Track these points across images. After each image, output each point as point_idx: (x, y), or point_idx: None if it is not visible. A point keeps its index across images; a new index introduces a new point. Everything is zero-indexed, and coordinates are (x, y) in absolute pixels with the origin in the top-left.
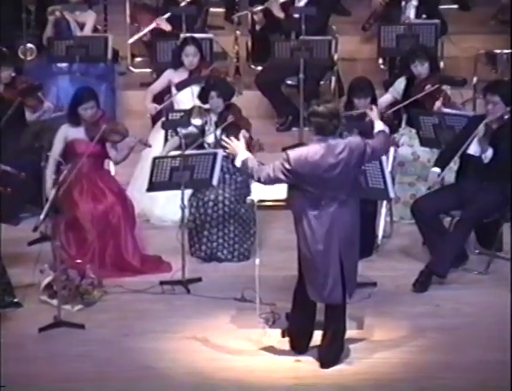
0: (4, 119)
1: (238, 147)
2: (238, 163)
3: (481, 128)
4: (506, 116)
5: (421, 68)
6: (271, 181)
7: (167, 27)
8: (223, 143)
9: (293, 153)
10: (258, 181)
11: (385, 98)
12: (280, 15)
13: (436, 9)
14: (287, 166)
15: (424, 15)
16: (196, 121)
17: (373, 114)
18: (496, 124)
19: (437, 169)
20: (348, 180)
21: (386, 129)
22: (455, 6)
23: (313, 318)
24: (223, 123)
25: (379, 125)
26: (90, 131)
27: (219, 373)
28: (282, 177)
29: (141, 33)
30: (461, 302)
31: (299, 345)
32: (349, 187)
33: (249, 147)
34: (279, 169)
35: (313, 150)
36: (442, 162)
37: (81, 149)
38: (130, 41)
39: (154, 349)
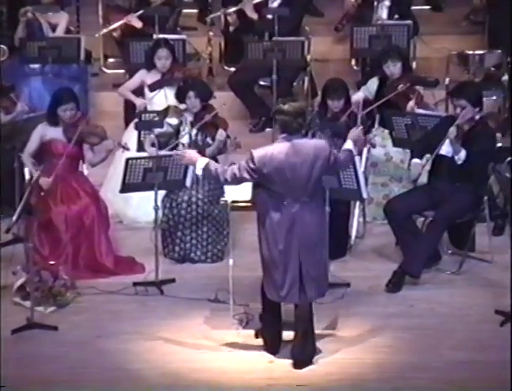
0: None
1: (193, 156)
2: (199, 171)
3: (452, 130)
4: (477, 117)
5: (393, 68)
6: (237, 181)
7: (138, 24)
8: (177, 159)
9: (258, 152)
10: (225, 182)
11: (356, 96)
12: (254, 16)
13: (408, 9)
14: (251, 165)
15: (396, 16)
16: (173, 120)
17: (351, 134)
18: (467, 125)
19: (417, 160)
20: (311, 182)
21: (355, 152)
22: (427, 7)
23: (280, 318)
24: (200, 123)
25: (349, 145)
26: (68, 132)
27: (193, 374)
28: (247, 176)
29: (111, 27)
30: (434, 302)
31: (271, 346)
32: (312, 189)
33: (226, 146)
34: (244, 169)
35: (278, 149)
36: (417, 153)
37: (58, 150)
38: (100, 34)
39: (127, 350)
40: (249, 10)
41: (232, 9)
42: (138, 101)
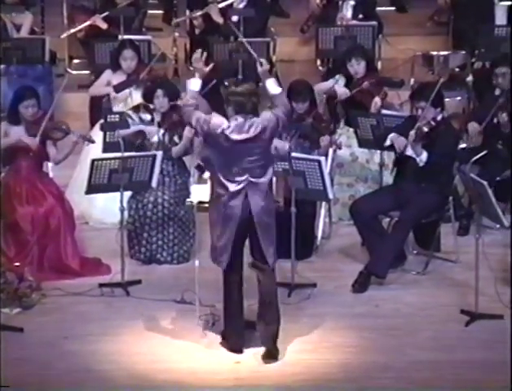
0: None
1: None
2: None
3: (411, 133)
4: (439, 117)
5: (357, 67)
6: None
7: (103, 25)
8: None
9: (214, 119)
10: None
11: (327, 84)
12: (220, 20)
13: (373, 10)
14: (205, 127)
15: (360, 15)
16: (146, 116)
17: (263, 71)
18: (427, 126)
19: (394, 134)
20: (259, 159)
21: (280, 89)
22: (392, 8)
23: (242, 316)
24: (167, 123)
25: (272, 87)
26: (31, 130)
27: (160, 375)
28: (193, 129)
29: (76, 28)
30: (399, 302)
31: (235, 345)
32: (260, 166)
33: (192, 146)
34: (197, 121)
35: (220, 120)
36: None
37: (21, 148)
38: (64, 35)
39: (94, 351)
40: (214, 15)
41: (198, 13)
42: (107, 88)
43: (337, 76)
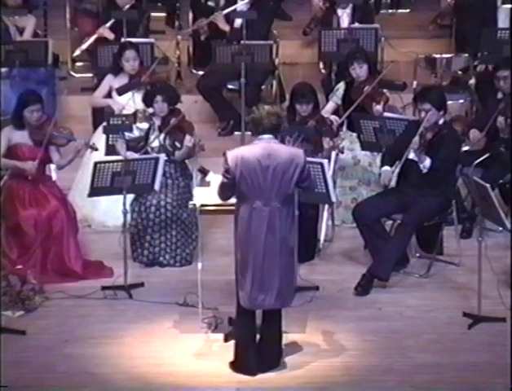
0: None
1: None
2: None
3: (415, 140)
4: (441, 121)
5: (359, 71)
6: (220, 189)
7: (110, 35)
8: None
9: (231, 152)
10: (220, 195)
11: (329, 107)
12: (226, 28)
13: (370, 16)
14: (225, 166)
15: (356, 24)
16: (143, 125)
17: None
18: (430, 132)
19: (387, 167)
20: (283, 187)
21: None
22: (394, 11)
23: (254, 340)
24: (167, 127)
25: None
26: (35, 135)
27: (161, 378)
28: (224, 179)
29: (85, 45)
30: (402, 305)
31: (249, 371)
32: (284, 195)
33: (194, 150)
34: (222, 172)
35: (251, 150)
36: (388, 161)
37: (24, 153)
38: (76, 54)
39: (96, 354)
40: (221, 23)
41: (204, 22)
42: (116, 105)
43: (341, 84)
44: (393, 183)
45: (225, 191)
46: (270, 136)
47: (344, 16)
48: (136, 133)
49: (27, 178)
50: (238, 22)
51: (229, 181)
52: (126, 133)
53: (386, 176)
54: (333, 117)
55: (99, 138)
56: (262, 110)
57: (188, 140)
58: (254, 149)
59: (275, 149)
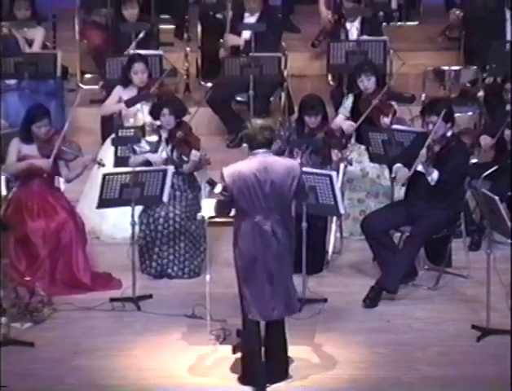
0: None
1: None
2: None
3: (423, 153)
4: (449, 134)
5: (367, 83)
6: (217, 207)
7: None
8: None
9: (227, 169)
10: (217, 212)
11: (338, 120)
12: (240, 42)
13: (378, 28)
14: (222, 183)
15: (365, 36)
16: (152, 138)
17: None
18: (438, 145)
19: (400, 164)
20: (282, 199)
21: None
22: (403, 23)
23: (260, 337)
24: (174, 140)
25: None
26: (43, 149)
27: (169, 390)
28: (221, 197)
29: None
30: (410, 318)
31: (258, 385)
32: (283, 207)
33: (201, 163)
34: (219, 190)
35: (247, 165)
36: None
37: (34, 170)
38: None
39: (104, 366)
40: (234, 40)
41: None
42: (130, 108)
43: (349, 97)
44: (400, 195)
45: (223, 208)
46: (265, 150)
47: (353, 30)
48: (146, 147)
49: (35, 190)
50: (246, 35)
51: (227, 198)
52: (137, 148)
53: (402, 174)
54: (349, 123)
55: (108, 150)
56: (254, 125)
57: (194, 154)
58: (250, 164)
59: (271, 163)
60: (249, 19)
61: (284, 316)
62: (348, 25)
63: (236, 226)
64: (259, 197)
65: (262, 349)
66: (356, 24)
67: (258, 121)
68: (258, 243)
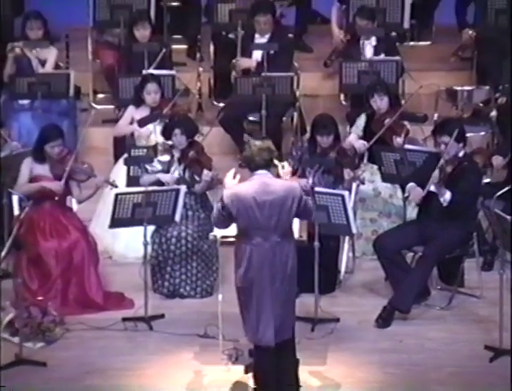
0: None
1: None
2: None
3: (435, 174)
4: (461, 154)
5: (380, 103)
6: (217, 222)
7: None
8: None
9: (227, 190)
10: (216, 226)
11: (351, 140)
12: (253, 64)
13: (394, 47)
14: (221, 203)
15: (382, 54)
16: (164, 158)
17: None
18: (450, 165)
19: (413, 183)
20: (282, 221)
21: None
22: (416, 43)
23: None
24: (186, 160)
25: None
26: (56, 169)
27: None
28: (220, 216)
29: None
30: (423, 338)
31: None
32: (283, 229)
33: (213, 182)
34: (217, 209)
35: (246, 187)
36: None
37: (46, 191)
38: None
39: (116, 386)
40: (247, 63)
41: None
42: (142, 129)
43: (362, 116)
44: (413, 215)
45: (220, 223)
46: (264, 171)
47: (367, 47)
48: (159, 167)
49: (47, 210)
50: (258, 56)
51: (224, 218)
52: (149, 167)
53: (415, 193)
54: (361, 142)
55: (120, 170)
56: (253, 147)
57: (206, 174)
58: (250, 186)
59: (271, 184)
60: (260, 39)
61: (281, 340)
62: (363, 42)
63: (236, 248)
64: (258, 219)
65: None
66: (372, 41)
67: (257, 143)
68: (257, 265)
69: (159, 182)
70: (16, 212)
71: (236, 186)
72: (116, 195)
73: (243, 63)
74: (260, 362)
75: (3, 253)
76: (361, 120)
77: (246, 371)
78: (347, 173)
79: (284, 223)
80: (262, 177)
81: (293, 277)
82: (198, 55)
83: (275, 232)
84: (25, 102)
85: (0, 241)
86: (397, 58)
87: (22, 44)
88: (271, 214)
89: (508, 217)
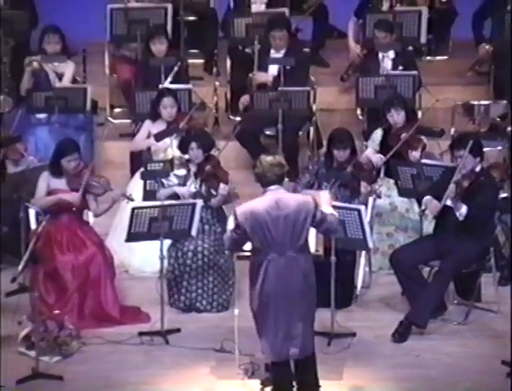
0: None
1: None
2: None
3: (451, 188)
4: (478, 168)
5: (396, 117)
6: (231, 243)
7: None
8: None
9: (240, 207)
10: (229, 249)
11: (368, 154)
12: (269, 78)
13: (413, 61)
14: (235, 221)
15: (400, 67)
16: (180, 172)
17: (323, 199)
18: (467, 180)
19: (429, 196)
20: (296, 236)
21: (335, 214)
22: (433, 58)
23: (290, 369)
24: (202, 174)
25: (328, 209)
26: (72, 183)
27: None
28: (234, 234)
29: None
30: (440, 353)
31: None
32: (297, 244)
33: (230, 196)
34: (229, 232)
35: (259, 203)
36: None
37: (63, 204)
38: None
39: None
40: (262, 78)
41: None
42: (158, 144)
43: (378, 131)
44: (430, 229)
45: (235, 245)
46: (276, 186)
47: (386, 60)
48: (175, 181)
49: (64, 223)
50: (274, 71)
51: (238, 236)
52: (165, 181)
53: (432, 206)
54: (378, 156)
55: (137, 184)
56: (264, 163)
57: (222, 188)
58: (263, 201)
59: (284, 199)
60: (276, 55)
61: (298, 357)
62: (382, 55)
63: (251, 264)
64: (272, 234)
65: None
66: (391, 54)
67: (268, 159)
68: (272, 280)
69: (175, 196)
70: (33, 226)
71: (248, 203)
72: (133, 209)
73: (259, 77)
74: (278, 378)
75: (20, 267)
76: (378, 135)
77: (263, 386)
78: (364, 187)
79: (298, 238)
80: (274, 192)
81: (311, 292)
82: (215, 70)
83: (290, 247)
84: (42, 116)
85: (17, 255)
86: (414, 72)
87: (39, 58)
88: (286, 229)
89: None
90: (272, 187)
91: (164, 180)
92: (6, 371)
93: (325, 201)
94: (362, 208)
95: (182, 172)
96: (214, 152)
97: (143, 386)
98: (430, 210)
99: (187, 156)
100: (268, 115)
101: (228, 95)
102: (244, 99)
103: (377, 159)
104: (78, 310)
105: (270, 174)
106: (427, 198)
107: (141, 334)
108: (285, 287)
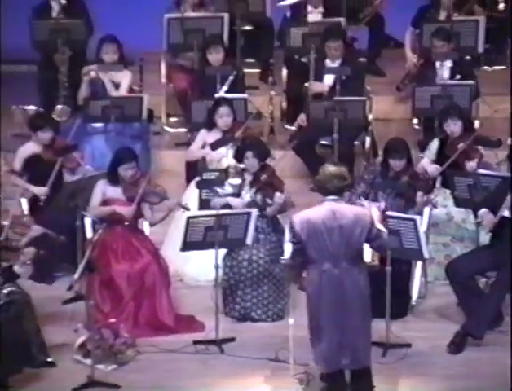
0: (50, 181)
1: None
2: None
3: (509, 199)
4: None
5: (453, 127)
6: (292, 253)
7: None
8: None
9: (296, 215)
10: (291, 261)
11: (424, 164)
12: (325, 88)
13: (471, 70)
14: (292, 230)
15: (458, 76)
16: (235, 181)
17: (373, 214)
18: None
19: (485, 209)
20: (351, 247)
21: (385, 232)
22: (490, 68)
23: (344, 380)
24: (258, 183)
25: (379, 226)
26: (129, 191)
27: None
28: (293, 245)
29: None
30: (497, 364)
31: None
32: (352, 255)
33: (286, 205)
34: (289, 239)
35: (316, 212)
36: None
37: (117, 215)
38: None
39: None
40: (319, 87)
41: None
42: (214, 153)
43: (435, 141)
44: (487, 239)
45: (296, 257)
46: (335, 197)
47: (443, 69)
48: (230, 190)
49: (120, 232)
50: (329, 81)
51: (296, 246)
52: (220, 190)
53: (488, 220)
54: (434, 166)
55: (192, 193)
56: (326, 172)
57: (278, 197)
58: (320, 211)
59: (340, 209)
60: (331, 64)
61: (348, 368)
62: (439, 65)
63: (305, 274)
64: (327, 244)
65: None
66: (448, 63)
67: (331, 169)
68: (326, 291)
69: (229, 206)
70: (89, 234)
71: (304, 211)
72: (188, 218)
73: (315, 87)
74: (332, 388)
75: (77, 275)
76: (434, 145)
77: None
78: (420, 197)
79: (353, 249)
80: (332, 202)
81: (365, 304)
82: (270, 79)
83: (344, 258)
84: (99, 125)
85: (73, 263)
86: (470, 82)
87: (97, 67)
88: (340, 240)
89: None
90: (331, 197)
91: (218, 189)
92: (62, 378)
93: (376, 217)
94: (417, 218)
95: (237, 181)
96: (269, 161)
97: None
98: (486, 223)
99: (242, 165)
100: (324, 124)
101: (284, 105)
102: (301, 120)
103: (433, 169)
104: (133, 319)
105: (329, 185)
106: (483, 211)
107: (196, 343)
108: (338, 298)
